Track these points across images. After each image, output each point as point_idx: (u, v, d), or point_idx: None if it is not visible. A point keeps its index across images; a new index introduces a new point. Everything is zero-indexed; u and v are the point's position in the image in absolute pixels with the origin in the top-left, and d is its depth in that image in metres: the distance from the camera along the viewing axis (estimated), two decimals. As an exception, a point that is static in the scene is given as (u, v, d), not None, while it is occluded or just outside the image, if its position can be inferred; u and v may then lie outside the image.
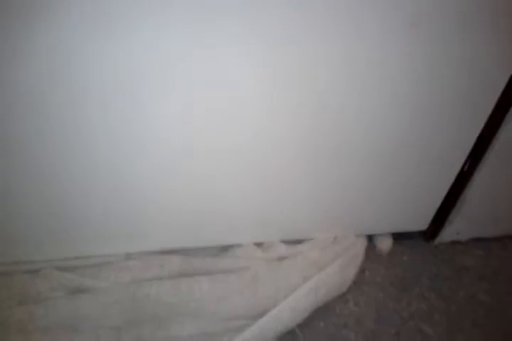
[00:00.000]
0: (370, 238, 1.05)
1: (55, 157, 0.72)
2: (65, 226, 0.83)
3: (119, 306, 0.82)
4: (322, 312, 0.90)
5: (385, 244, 1.05)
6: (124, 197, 0.80)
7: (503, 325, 0.91)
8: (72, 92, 0.63)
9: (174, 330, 0.81)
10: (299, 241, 1.01)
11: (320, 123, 0.76)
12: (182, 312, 0.83)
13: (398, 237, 1.07)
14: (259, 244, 0.99)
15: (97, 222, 0.84)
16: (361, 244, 1.01)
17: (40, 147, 0.70)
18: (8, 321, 0.78)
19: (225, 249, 0.98)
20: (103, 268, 0.88)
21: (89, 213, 0.82)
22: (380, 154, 0.84)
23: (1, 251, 0.86)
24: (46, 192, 0.76)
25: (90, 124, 0.68)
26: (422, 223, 1.04)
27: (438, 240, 1.07)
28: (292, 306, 0.85)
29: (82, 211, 0.81)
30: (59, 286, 0.84)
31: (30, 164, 0.72)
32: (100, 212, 0.83)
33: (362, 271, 0.99)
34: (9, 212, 0.79)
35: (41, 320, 0.79)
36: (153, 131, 0.71)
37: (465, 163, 0.90)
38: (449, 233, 1.05)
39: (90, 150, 0.72)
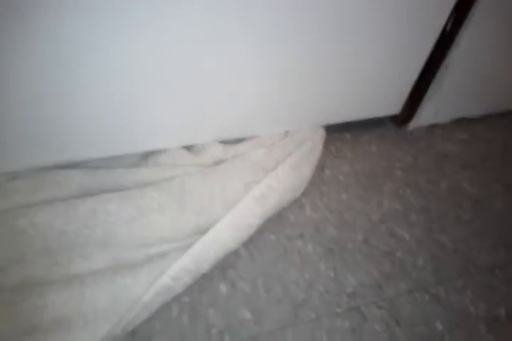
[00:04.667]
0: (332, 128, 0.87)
1: None
2: None
3: (-4, 241, 0.62)
4: (272, 223, 0.73)
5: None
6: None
7: (491, 220, 0.79)
8: None
9: (76, 266, 0.62)
10: (240, 141, 0.80)
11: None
12: (83, 241, 0.63)
13: (364, 124, 0.89)
14: (189, 147, 0.78)
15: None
16: (318, 137, 0.83)
17: None
18: None
19: (145, 157, 0.76)
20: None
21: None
22: (341, 16, 0.66)
23: None
24: None
25: None
26: (393, 105, 0.90)
27: (413, 124, 0.93)
28: (234, 223, 0.68)
29: None
30: None
31: None
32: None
33: (321, 168, 0.83)
34: None
35: None
36: None
37: (448, 20, 0.74)
38: (426, 114, 0.92)
39: None
